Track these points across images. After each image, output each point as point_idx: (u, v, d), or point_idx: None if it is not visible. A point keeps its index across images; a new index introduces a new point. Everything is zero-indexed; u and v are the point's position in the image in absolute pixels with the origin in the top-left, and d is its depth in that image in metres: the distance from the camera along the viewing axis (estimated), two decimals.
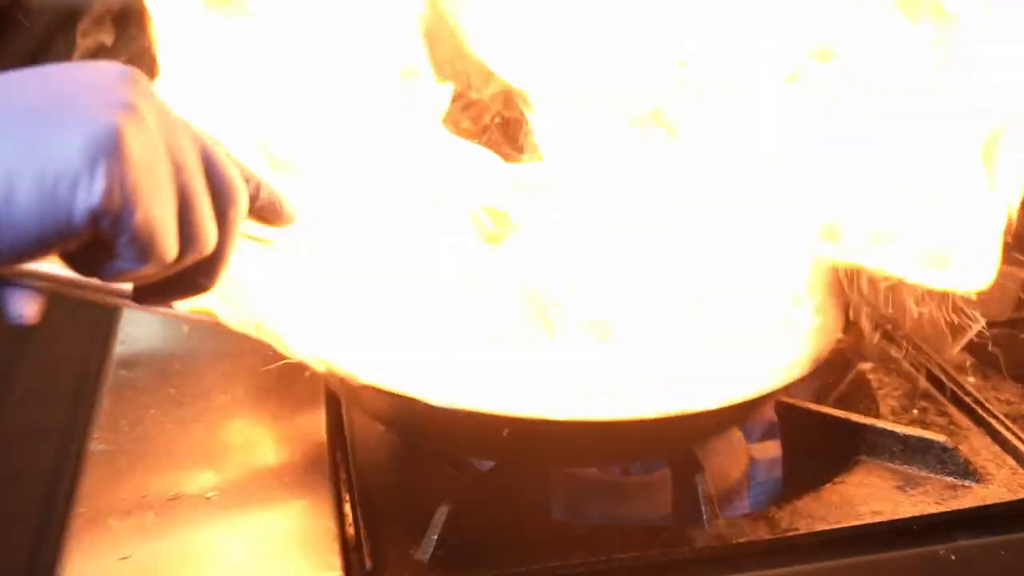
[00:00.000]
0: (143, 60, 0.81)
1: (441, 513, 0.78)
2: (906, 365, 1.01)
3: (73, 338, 1.08)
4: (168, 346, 1.03)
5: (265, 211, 0.67)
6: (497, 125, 1.00)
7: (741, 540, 0.79)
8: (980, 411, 0.92)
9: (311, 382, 0.97)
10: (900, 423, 0.89)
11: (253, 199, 0.64)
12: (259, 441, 0.91)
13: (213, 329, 0.82)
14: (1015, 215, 1.14)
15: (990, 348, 1.00)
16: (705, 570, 0.79)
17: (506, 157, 0.93)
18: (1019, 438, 0.88)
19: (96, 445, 0.91)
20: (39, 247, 0.54)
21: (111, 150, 0.53)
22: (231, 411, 0.95)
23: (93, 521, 0.82)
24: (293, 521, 0.81)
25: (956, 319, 1.05)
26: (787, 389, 0.82)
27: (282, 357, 0.91)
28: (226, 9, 0.84)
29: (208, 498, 0.84)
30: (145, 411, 0.95)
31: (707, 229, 0.89)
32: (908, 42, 0.84)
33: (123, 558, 0.78)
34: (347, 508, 0.83)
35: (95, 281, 0.59)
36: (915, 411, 0.95)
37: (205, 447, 0.90)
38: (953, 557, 0.81)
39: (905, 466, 0.87)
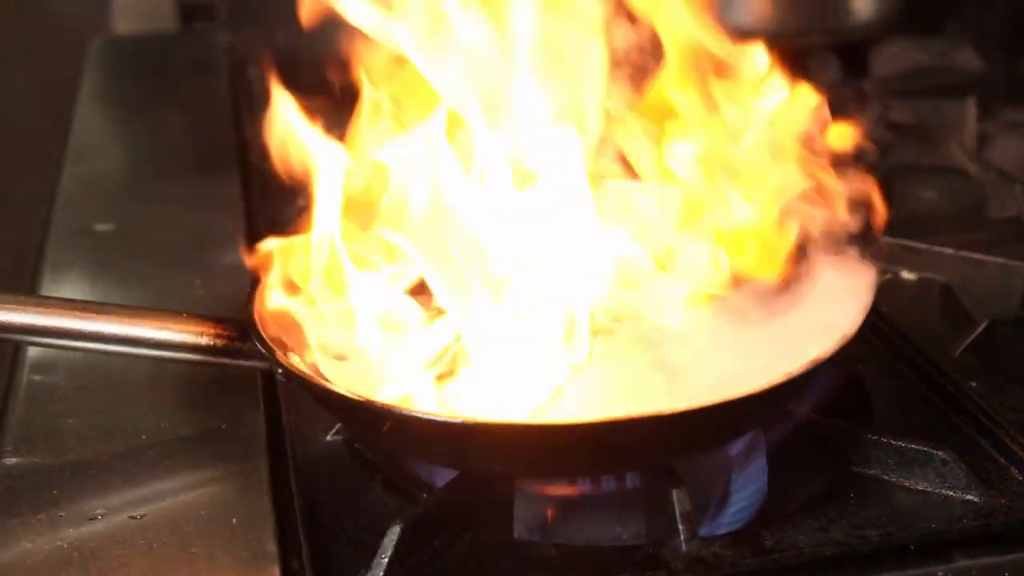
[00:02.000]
0: None
1: (392, 533, 0.79)
2: (903, 368, 1.02)
3: None
4: None
5: None
6: None
7: (721, 563, 0.80)
8: (984, 419, 0.94)
9: (248, 388, 0.97)
10: (896, 432, 0.90)
11: None
12: (190, 455, 0.91)
13: None
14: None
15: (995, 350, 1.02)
16: None
17: None
18: None
19: (7, 459, 0.91)
20: None
21: None
22: (159, 419, 0.95)
23: (3, 544, 0.83)
24: (229, 543, 0.82)
25: (958, 318, 1.07)
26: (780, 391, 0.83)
27: (215, 359, 0.92)
28: None
29: (134, 518, 0.84)
30: (62, 420, 0.95)
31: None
32: None
33: None
34: (290, 529, 0.83)
35: None
36: (913, 419, 0.96)
37: (131, 460, 0.90)
38: None
39: (902, 479, 0.88)
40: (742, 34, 1.70)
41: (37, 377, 1.00)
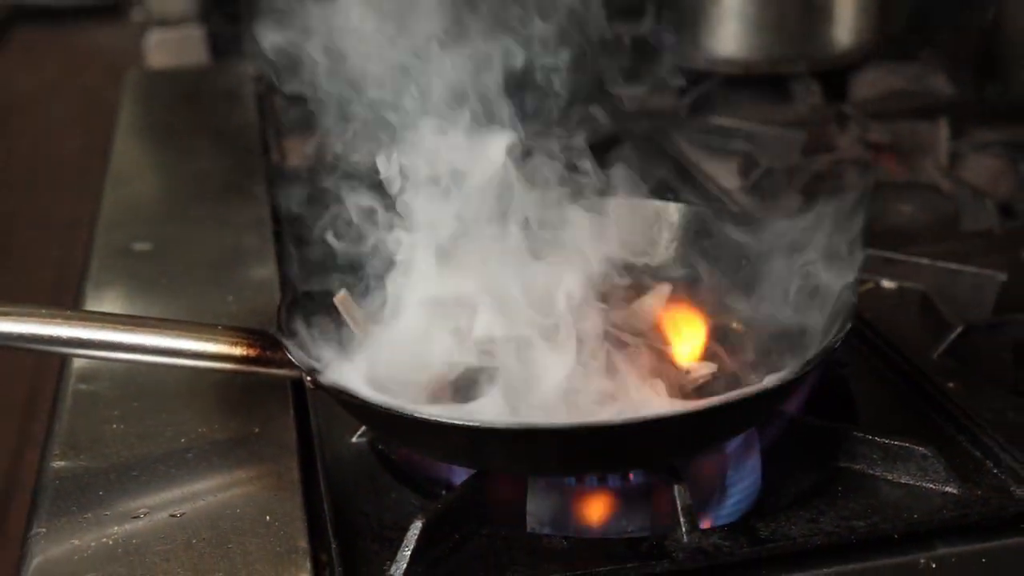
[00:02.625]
0: None
1: (415, 529, 0.79)
2: (885, 371, 1.02)
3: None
4: None
5: None
6: None
7: (720, 552, 0.81)
8: (962, 417, 0.94)
9: (279, 395, 0.97)
10: (880, 430, 0.90)
11: None
12: (226, 457, 0.91)
13: None
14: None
15: (970, 352, 1.02)
16: None
17: None
18: (1001, 445, 0.89)
19: (55, 462, 0.91)
20: None
21: None
22: (197, 425, 0.95)
23: (53, 541, 0.83)
24: (263, 539, 0.82)
25: (935, 324, 1.07)
26: (774, 394, 0.83)
27: (248, 368, 0.92)
28: None
29: (174, 516, 0.85)
30: (107, 426, 0.95)
31: None
32: None
33: None
34: (319, 525, 0.83)
35: None
36: (895, 418, 0.96)
37: (171, 462, 0.91)
38: (934, 566, 0.83)
39: (886, 474, 0.88)
40: (730, 64, 1.72)
41: (83, 386, 1.00)
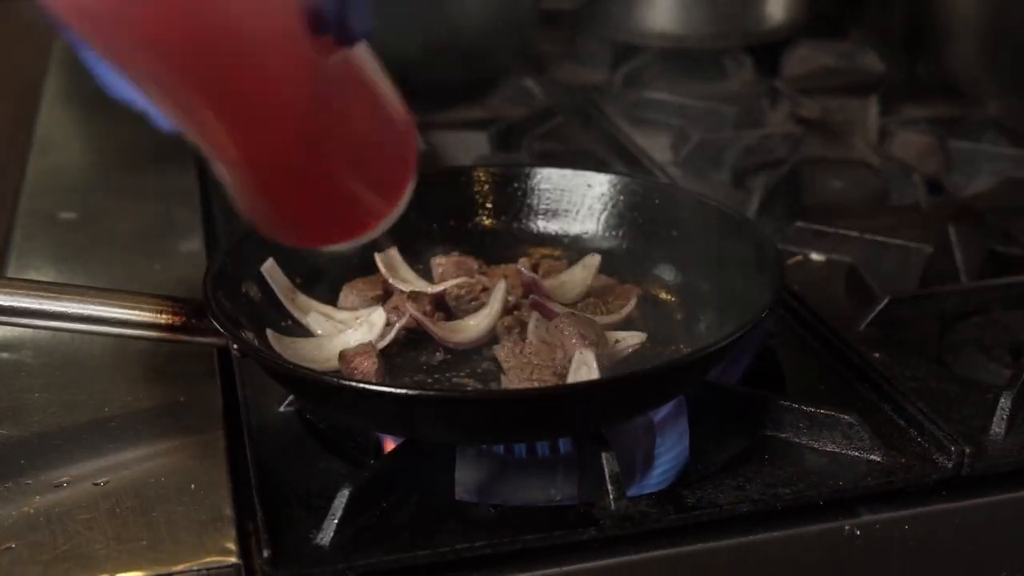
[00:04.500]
0: None
1: (342, 496, 0.78)
2: (813, 341, 1.03)
3: None
4: None
5: None
6: None
7: (647, 520, 0.81)
8: (887, 387, 0.95)
9: (205, 364, 0.96)
10: (807, 399, 0.90)
11: None
12: (151, 426, 0.90)
13: None
14: None
15: (895, 324, 1.03)
16: (612, 550, 0.80)
17: None
18: (925, 414, 0.90)
19: None
20: None
21: None
22: (121, 394, 0.94)
23: None
24: (188, 508, 0.81)
25: (862, 295, 1.08)
26: (700, 363, 0.84)
27: (174, 337, 0.91)
28: None
29: (97, 485, 0.83)
30: (29, 395, 0.94)
31: None
32: None
33: (6, 548, 0.77)
34: (245, 494, 0.82)
35: None
36: (822, 387, 0.97)
37: (94, 432, 0.89)
38: (858, 532, 0.84)
39: (811, 442, 0.89)
40: (662, 38, 1.72)
41: (4, 355, 0.98)
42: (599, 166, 1.27)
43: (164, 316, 0.90)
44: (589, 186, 1.07)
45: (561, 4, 1.80)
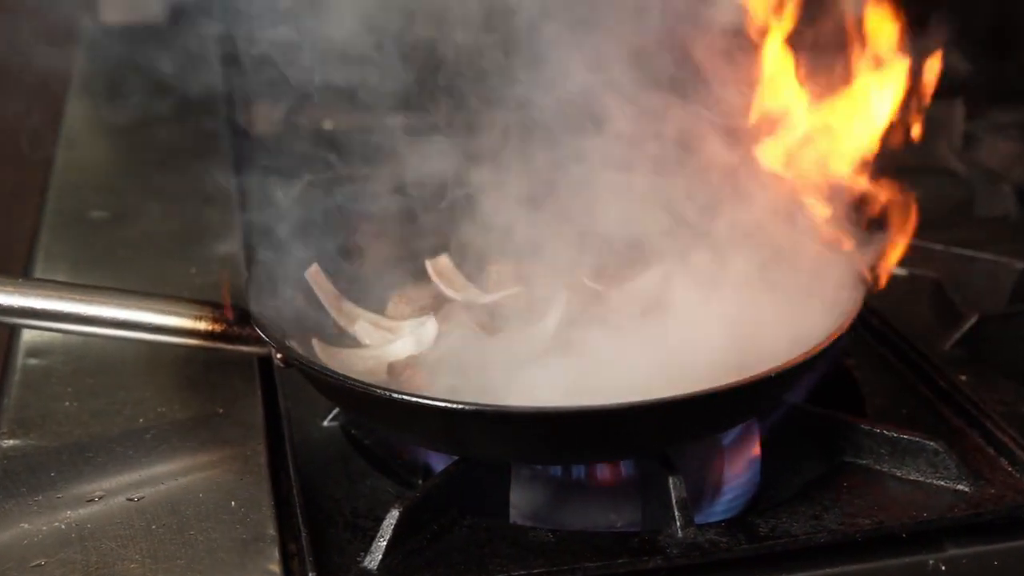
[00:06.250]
0: None
1: (391, 517, 0.79)
2: (895, 361, 1.03)
3: None
4: None
5: None
6: None
7: (716, 549, 0.81)
8: (974, 411, 0.94)
9: (245, 373, 0.97)
10: (889, 423, 0.90)
11: None
12: (188, 438, 0.91)
13: None
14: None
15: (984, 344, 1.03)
16: None
17: None
18: (1015, 441, 0.90)
19: (3, 441, 0.91)
20: None
21: None
22: (156, 403, 0.95)
23: (1, 525, 0.82)
24: (227, 526, 0.82)
25: (948, 313, 1.07)
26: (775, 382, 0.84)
27: (213, 344, 0.92)
28: None
29: (132, 501, 0.84)
30: (59, 403, 0.95)
31: None
32: None
33: (35, 565, 0.78)
34: (288, 513, 0.83)
35: None
36: (904, 411, 0.97)
37: (128, 443, 0.90)
38: (943, 568, 0.83)
39: (894, 470, 0.89)
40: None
41: (33, 361, 1.00)
42: None
43: (203, 322, 0.91)
44: None
45: None
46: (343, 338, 0.97)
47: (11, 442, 0.91)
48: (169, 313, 0.91)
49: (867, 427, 0.90)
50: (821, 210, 0.96)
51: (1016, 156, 1.42)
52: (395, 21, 1.10)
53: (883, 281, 0.93)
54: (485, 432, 0.82)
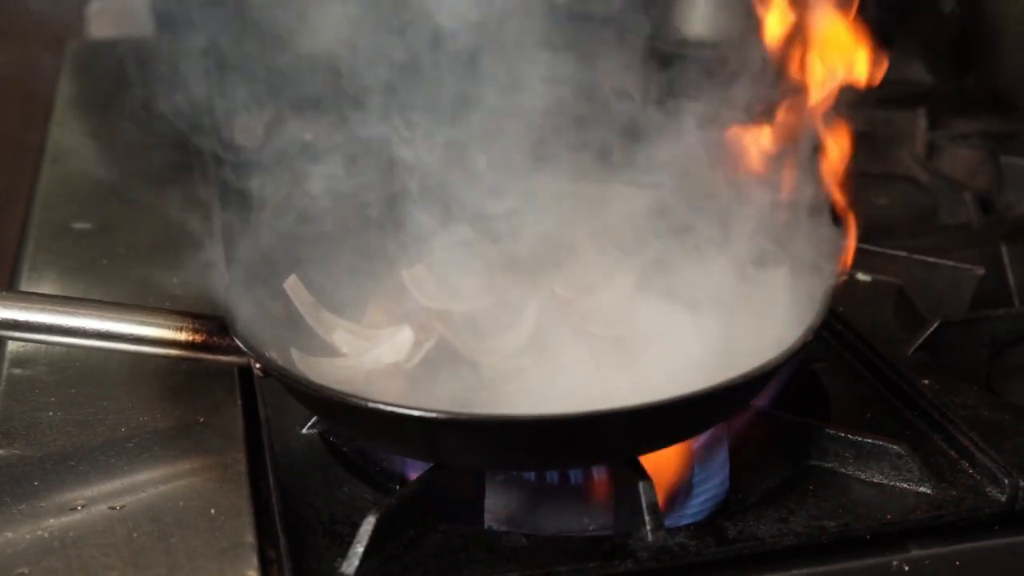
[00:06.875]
0: None
1: (368, 524, 0.79)
2: (859, 366, 1.03)
3: None
4: None
5: None
6: None
7: (685, 552, 0.81)
8: (936, 415, 0.94)
9: (225, 383, 0.97)
10: (853, 427, 0.90)
11: None
12: (169, 447, 0.91)
13: None
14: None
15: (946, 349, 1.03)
16: None
17: None
18: (977, 444, 0.90)
19: None
20: None
21: None
22: (138, 413, 0.94)
23: None
24: (207, 534, 0.81)
25: (911, 319, 1.08)
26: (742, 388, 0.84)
27: (194, 355, 0.91)
28: None
29: (113, 509, 0.84)
30: (43, 413, 0.94)
31: None
32: None
33: (18, 573, 0.78)
34: (267, 520, 0.83)
35: None
36: (868, 415, 0.97)
37: (110, 452, 0.90)
38: (906, 568, 0.83)
39: (858, 472, 0.89)
40: (699, 46, 1.72)
41: (17, 371, 0.99)
42: None
43: (184, 333, 0.91)
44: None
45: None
46: (322, 347, 0.97)
47: None
48: (150, 324, 0.91)
49: (832, 431, 0.90)
50: (785, 216, 0.96)
51: (977, 165, 1.43)
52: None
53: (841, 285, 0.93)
54: (460, 440, 0.82)
